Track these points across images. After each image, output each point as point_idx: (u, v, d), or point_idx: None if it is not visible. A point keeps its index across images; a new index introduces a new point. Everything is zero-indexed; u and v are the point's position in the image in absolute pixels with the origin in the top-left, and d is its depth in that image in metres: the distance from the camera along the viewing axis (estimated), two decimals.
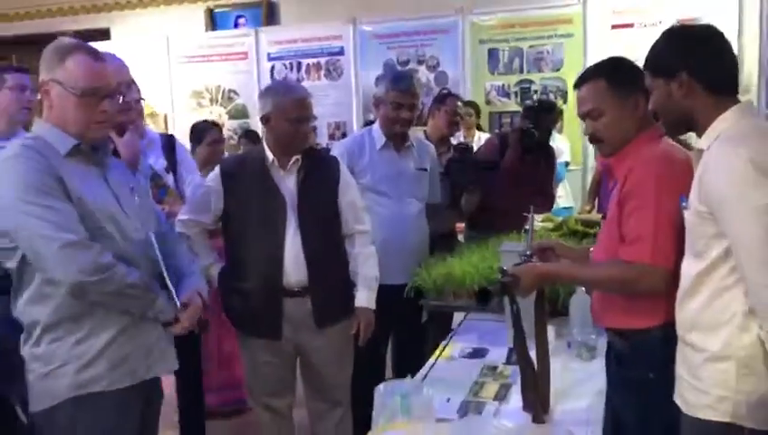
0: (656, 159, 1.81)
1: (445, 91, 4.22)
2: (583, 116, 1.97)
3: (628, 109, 1.89)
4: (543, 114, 3.61)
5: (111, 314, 1.85)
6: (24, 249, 1.78)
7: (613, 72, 1.92)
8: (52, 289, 1.80)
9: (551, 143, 4.07)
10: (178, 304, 1.96)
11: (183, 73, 6.80)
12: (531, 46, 5.82)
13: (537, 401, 1.89)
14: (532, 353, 1.89)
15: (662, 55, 1.69)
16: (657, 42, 1.71)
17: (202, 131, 4.02)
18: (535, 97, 5.72)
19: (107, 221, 1.86)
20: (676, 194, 1.70)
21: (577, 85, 1.98)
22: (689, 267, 1.63)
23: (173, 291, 1.95)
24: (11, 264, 1.83)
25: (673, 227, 1.71)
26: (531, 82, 5.85)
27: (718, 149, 1.54)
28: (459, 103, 3.96)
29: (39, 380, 1.84)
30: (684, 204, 1.65)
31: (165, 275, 1.96)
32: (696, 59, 1.63)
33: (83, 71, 1.84)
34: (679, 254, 1.69)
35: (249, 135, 5.54)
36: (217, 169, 2.62)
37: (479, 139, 5.44)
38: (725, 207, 1.49)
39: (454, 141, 3.89)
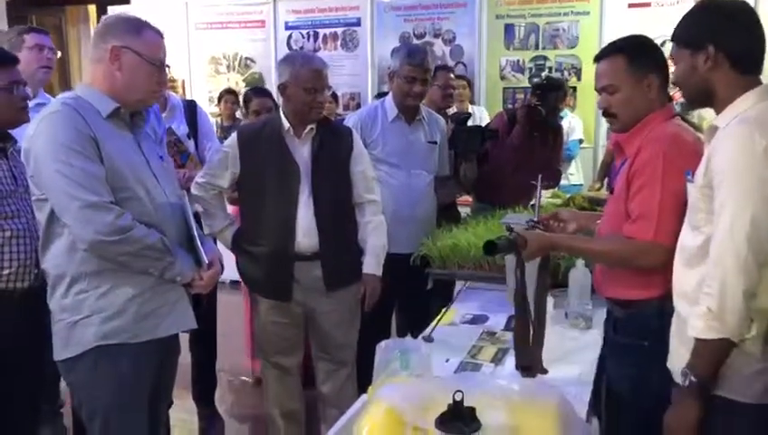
0: (665, 139, 1.82)
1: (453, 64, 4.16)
2: (600, 90, 1.98)
3: (642, 88, 1.90)
4: (551, 92, 3.61)
5: (134, 272, 1.93)
6: (51, 204, 1.86)
7: (633, 51, 1.92)
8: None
9: (564, 121, 4.08)
10: (206, 263, 2.04)
11: (201, 40, 6.84)
12: (547, 23, 5.81)
13: (528, 347, 1.94)
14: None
15: (691, 27, 1.66)
16: (689, 13, 1.68)
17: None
18: (545, 74, 5.68)
19: (137, 183, 1.93)
20: (682, 174, 1.70)
21: (597, 59, 1.98)
22: (686, 239, 1.67)
23: (202, 252, 2.03)
24: (41, 215, 1.91)
25: (677, 207, 1.74)
26: (546, 58, 5.84)
27: (734, 129, 1.53)
28: (451, 75, 3.97)
29: (66, 329, 1.93)
30: (689, 177, 1.66)
31: (196, 237, 2.04)
32: (726, 34, 1.60)
33: (157, 44, 1.99)
34: (680, 231, 1.72)
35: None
36: (235, 134, 2.67)
37: (473, 112, 5.45)
38: (724, 186, 1.51)
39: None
